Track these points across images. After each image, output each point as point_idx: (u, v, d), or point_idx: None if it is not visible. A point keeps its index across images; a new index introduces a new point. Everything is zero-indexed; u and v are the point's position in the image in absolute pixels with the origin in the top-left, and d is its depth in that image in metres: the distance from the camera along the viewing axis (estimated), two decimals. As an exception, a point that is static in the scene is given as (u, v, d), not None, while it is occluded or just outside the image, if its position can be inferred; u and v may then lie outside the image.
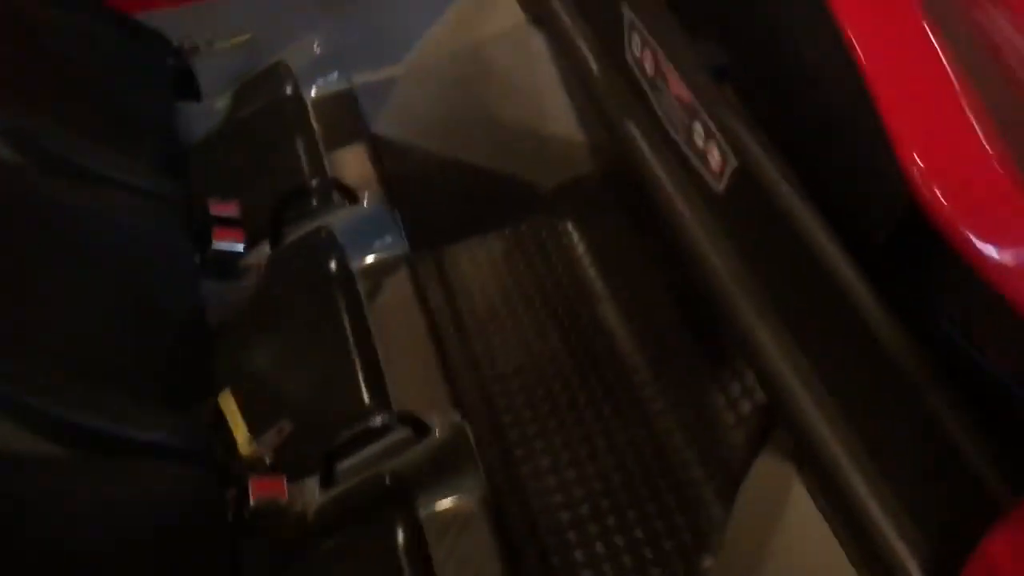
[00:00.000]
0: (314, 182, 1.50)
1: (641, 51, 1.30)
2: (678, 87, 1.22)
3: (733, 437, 1.48)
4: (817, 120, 1.06)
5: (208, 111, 1.72)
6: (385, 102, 1.84)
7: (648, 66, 1.29)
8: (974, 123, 0.86)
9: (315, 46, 1.76)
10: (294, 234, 1.48)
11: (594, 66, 1.44)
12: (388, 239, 1.50)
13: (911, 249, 0.91)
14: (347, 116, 1.72)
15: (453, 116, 1.82)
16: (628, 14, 1.31)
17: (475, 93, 1.78)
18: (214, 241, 1.41)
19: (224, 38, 1.71)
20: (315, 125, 1.67)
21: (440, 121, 1.83)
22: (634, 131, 1.34)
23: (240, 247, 1.43)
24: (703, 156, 1.18)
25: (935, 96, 0.89)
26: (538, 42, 1.68)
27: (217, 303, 1.41)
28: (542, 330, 1.66)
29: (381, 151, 1.70)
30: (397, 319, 1.43)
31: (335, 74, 1.75)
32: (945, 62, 0.90)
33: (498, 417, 1.56)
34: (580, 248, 1.76)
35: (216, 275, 1.43)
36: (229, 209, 1.46)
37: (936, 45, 0.91)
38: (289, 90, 1.71)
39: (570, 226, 1.79)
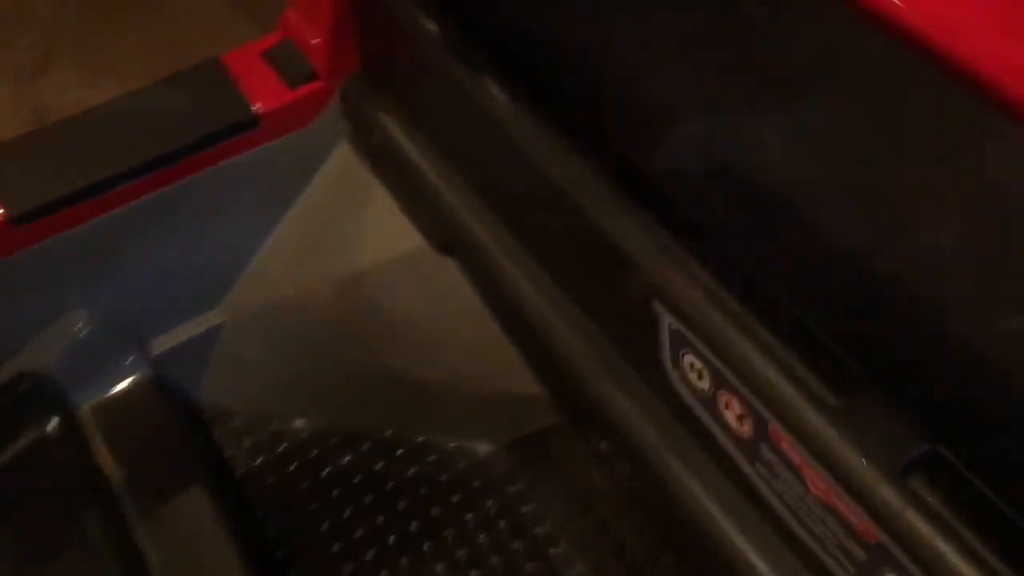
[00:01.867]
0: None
1: (714, 390, 0.74)
2: (829, 492, 0.67)
3: None
4: None
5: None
6: (207, 366, 1.18)
7: (735, 419, 0.73)
8: None
9: (78, 324, 1.07)
10: None
11: (568, 344, 0.87)
12: None
13: None
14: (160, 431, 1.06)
15: (314, 373, 1.18)
16: (667, 319, 0.74)
17: (353, 338, 1.15)
18: None
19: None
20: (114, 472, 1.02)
21: (296, 381, 1.19)
22: (686, 478, 0.80)
23: None
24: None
25: None
26: (453, 274, 1.07)
27: None
28: None
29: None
30: None
31: (128, 358, 1.08)
32: None
33: None
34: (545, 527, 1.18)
35: None
36: None
37: None
38: (52, 422, 1.02)
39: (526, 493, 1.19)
